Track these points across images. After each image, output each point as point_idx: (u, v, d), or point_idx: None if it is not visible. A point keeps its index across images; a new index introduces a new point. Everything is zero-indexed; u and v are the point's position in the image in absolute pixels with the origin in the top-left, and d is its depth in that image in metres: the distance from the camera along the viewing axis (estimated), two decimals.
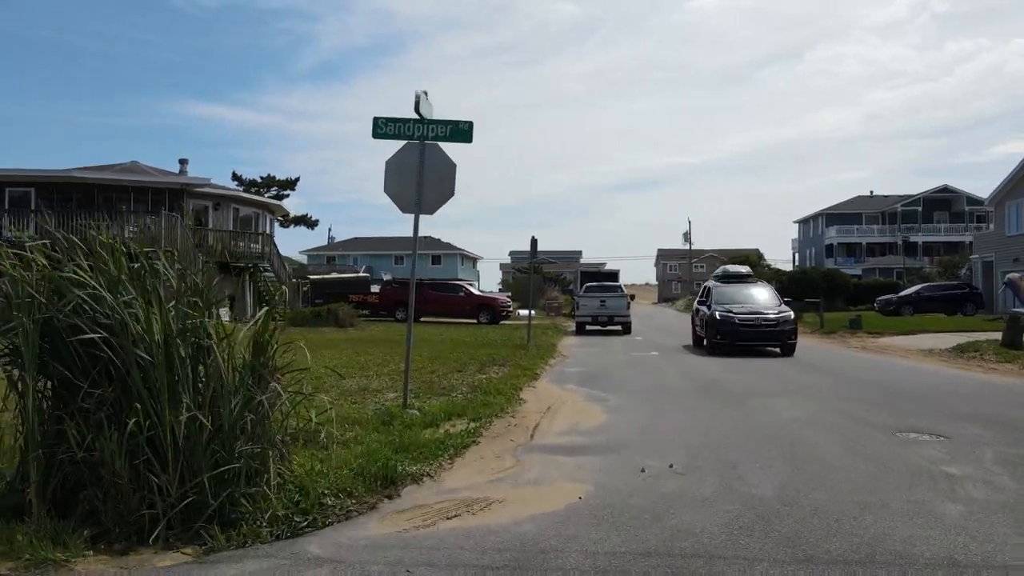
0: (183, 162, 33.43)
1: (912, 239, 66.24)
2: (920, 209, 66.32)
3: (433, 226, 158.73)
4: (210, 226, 31.44)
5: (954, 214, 67.45)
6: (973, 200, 66.73)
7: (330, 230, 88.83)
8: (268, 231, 36.42)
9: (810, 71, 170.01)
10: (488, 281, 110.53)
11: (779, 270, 57.32)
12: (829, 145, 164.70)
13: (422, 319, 33.93)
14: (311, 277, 40.78)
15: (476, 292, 33.52)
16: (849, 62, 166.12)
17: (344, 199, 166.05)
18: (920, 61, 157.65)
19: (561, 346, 21.05)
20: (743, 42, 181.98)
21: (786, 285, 49.74)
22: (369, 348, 17.64)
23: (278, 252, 33.32)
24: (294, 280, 40.60)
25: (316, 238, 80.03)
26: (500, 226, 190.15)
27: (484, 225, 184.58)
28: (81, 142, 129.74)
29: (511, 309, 33.35)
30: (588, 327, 28.14)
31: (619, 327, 27.99)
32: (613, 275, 36.97)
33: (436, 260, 77.99)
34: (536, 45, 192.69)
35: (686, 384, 12.53)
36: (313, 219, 55.76)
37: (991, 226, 67.26)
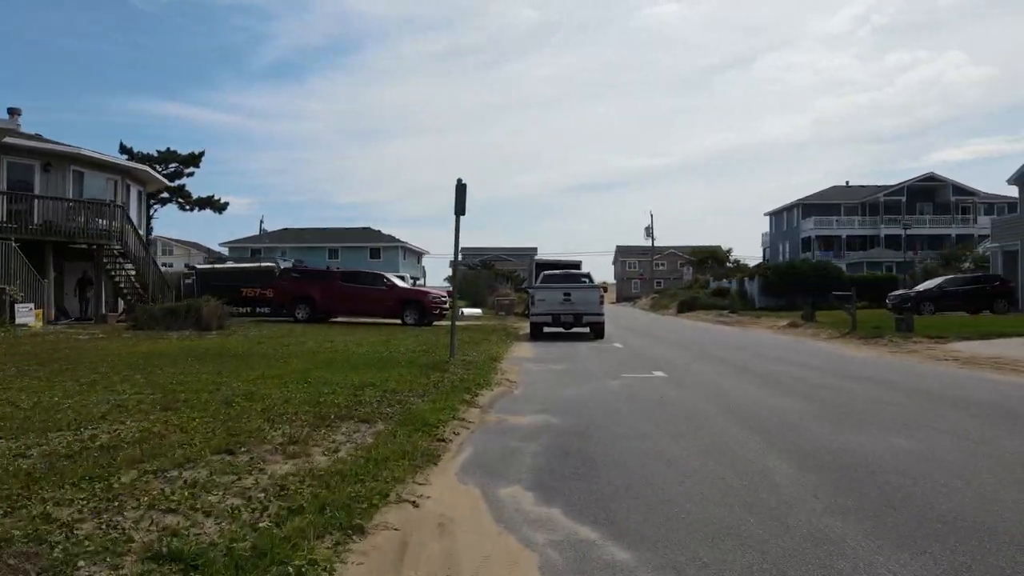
0: (13, 112, 24.95)
1: (892, 232, 60.92)
2: (904, 199, 61.02)
3: (379, 222, 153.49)
4: (36, 192, 23.22)
5: (939, 205, 62.38)
6: (960, 189, 61.83)
7: (261, 221, 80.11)
8: (136, 204, 28.21)
9: (762, 78, 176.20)
10: (437, 279, 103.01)
11: (766, 264, 50.89)
12: (782, 149, 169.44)
13: (333, 319, 26.23)
14: (197, 267, 32.60)
15: (403, 285, 26.00)
16: (799, 70, 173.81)
17: (305, 199, 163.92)
18: (864, 71, 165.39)
19: (507, 361, 13.66)
20: (698, 49, 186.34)
21: (772, 279, 43.46)
22: (181, 369, 9.96)
23: (136, 230, 25.17)
24: (183, 267, 32.39)
25: (245, 228, 71.73)
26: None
27: (441, 225, 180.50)
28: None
29: (446, 307, 25.86)
30: (547, 328, 20.92)
31: (587, 329, 20.87)
32: (575, 265, 29.84)
33: (375, 253, 69.93)
34: (496, 48, 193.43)
35: (781, 461, 5.22)
36: (221, 201, 47.37)
37: (987, 214, 62.77)
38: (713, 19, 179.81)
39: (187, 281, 30.75)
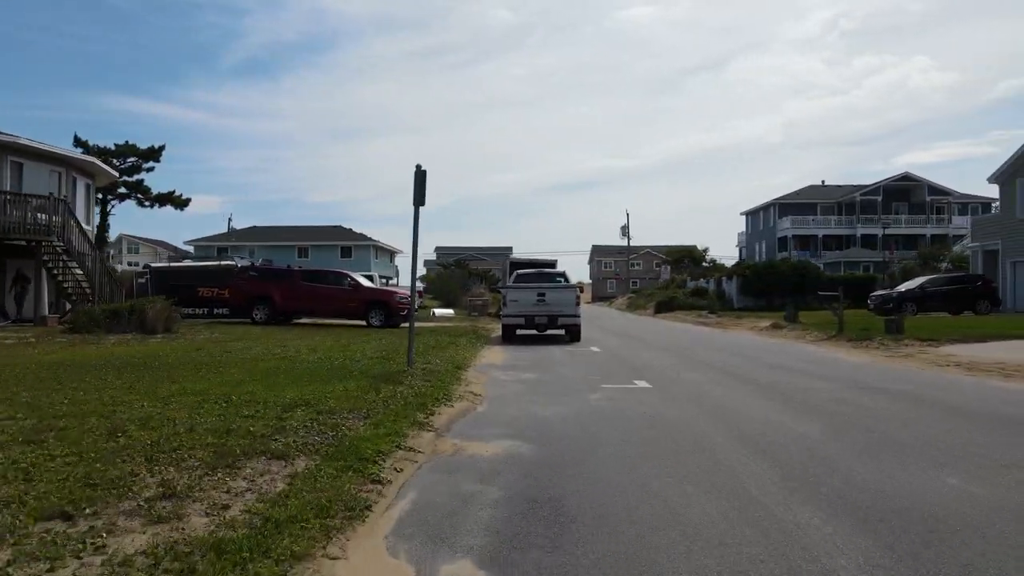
0: None
1: (868, 232, 60.61)
2: (880, 199, 60.71)
3: (356, 221, 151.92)
4: None
5: (914, 204, 62.18)
6: (935, 190, 61.68)
7: (230, 219, 77.98)
8: (83, 198, 26.39)
9: (734, 80, 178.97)
10: (409, 278, 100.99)
11: (745, 264, 50.07)
12: (755, 151, 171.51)
13: (295, 321, 24.72)
14: (152, 265, 30.80)
15: (368, 284, 24.52)
16: (770, 74, 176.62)
17: (280, 198, 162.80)
18: (833, 75, 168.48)
19: (474, 369, 12.32)
20: (672, 51, 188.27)
21: (751, 279, 42.60)
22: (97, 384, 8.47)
23: (80, 227, 23.39)
24: (137, 268, 30.59)
25: (217, 226, 69.49)
26: (433, 227, 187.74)
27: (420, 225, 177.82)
28: None
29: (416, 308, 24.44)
30: (520, 331, 19.65)
31: (562, 331, 19.63)
32: (550, 265, 28.65)
33: (346, 252, 68.11)
34: (471, 48, 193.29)
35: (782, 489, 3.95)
36: (183, 197, 45.39)
37: (967, 214, 62.77)
38: (687, 22, 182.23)
39: (140, 281, 28.97)
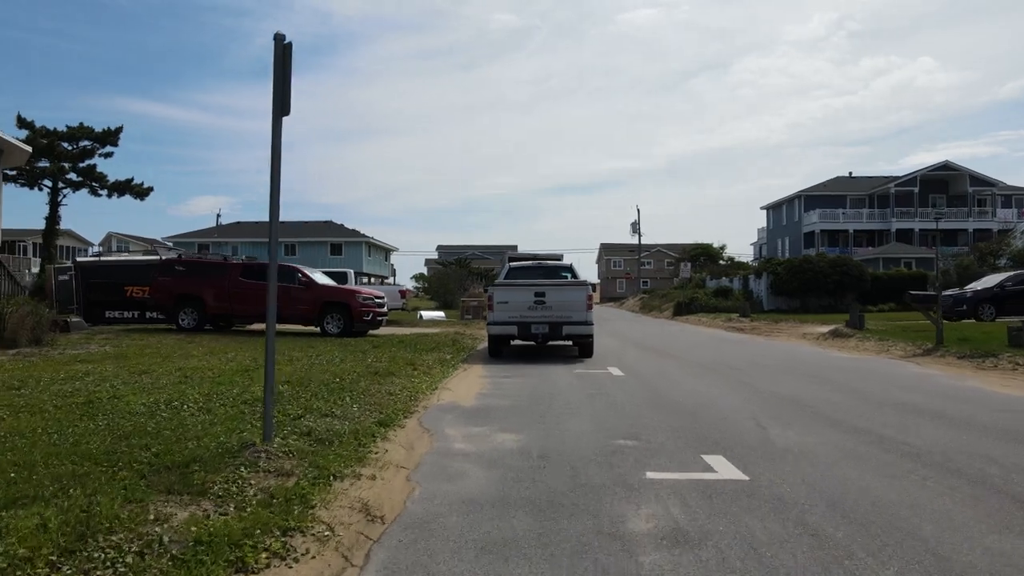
0: None
1: (903, 226, 55.37)
2: (916, 190, 55.45)
3: (360, 222, 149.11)
4: None
5: (953, 197, 56.88)
6: (978, 180, 56.38)
7: (218, 215, 73.54)
8: None
9: (737, 82, 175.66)
10: (408, 278, 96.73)
11: (775, 260, 44.92)
12: (758, 152, 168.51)
13: (236, 326, 19.90)
14: (79, 260, 26.00)
15: (324, 282, 19.57)
16: (774, 74, 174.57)
17: (283, 199, 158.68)
18: (839, 75, 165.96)
19: (417, 421, 7.29)
20: (674, 52, 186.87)
21: (783, 277, 37.48)
22: None
23: None
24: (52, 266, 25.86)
25: (198, 221, 64.84)
26: (436, 228, 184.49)
27: (419, 226, 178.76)
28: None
29: (382, 311, 19.52)
30: (512, 341, 14.86)
31: (568, 342, 14.78)
32: (556, 258, 23.60)
33: (336, 249, 63.36)
34: (474, 50, 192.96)
35: None
36: (144, 186, 40.54)
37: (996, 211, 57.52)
38: (690, 24, 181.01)
39: (62, 278, 24.17)
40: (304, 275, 18.97)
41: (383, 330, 21.39)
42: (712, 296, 40.74)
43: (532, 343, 14.73)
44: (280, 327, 20.45)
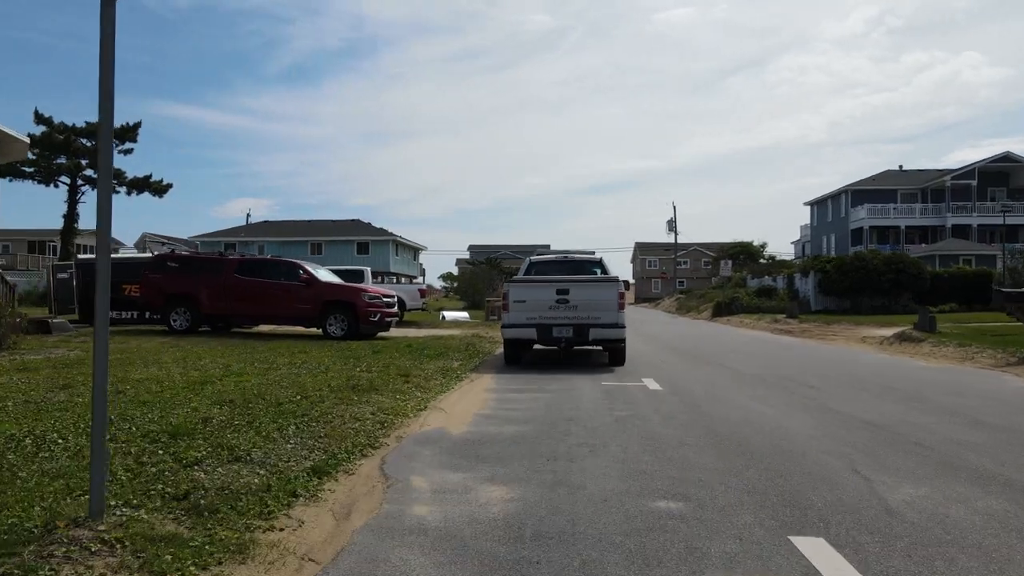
0: None
1: (960, 221, 51.96)
2: (974, 183, 51.96)
3: (393, 223, 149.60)
4: None
5: (1015, 190, 53.25)
6: None
7: (248, 215, 72.32)
8: None
9: (775, 80, 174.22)
10: (436, 277, 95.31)
11: (824, 257, 42.16)
12: (796, 151, 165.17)
13: (234, 328, 18.29)
14: (80, 257, 24.66)
15: (327, 279, 17.74)
16: (812, 72, 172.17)
17: (318, 201, 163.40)
18: (879, 72, 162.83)
19: (381, 459, 5.36)
20: (710, 52, 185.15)
21: (833, 276, 34.80)
22: None
23: None
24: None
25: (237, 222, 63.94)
26: (469, 227, 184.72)
27: (452, 226, 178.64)
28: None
29: (392, 311, 17.68)
30: (535, 346, 12.92)
31: (598, 347, 12.79)
32: (586, 254, 21.45)
33: (363, 248, 61.95)
34: (507, 51, 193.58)
35: None
36: (164, 183, 39.45)
37: None
38: (726, 22, 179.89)
39: (61, 276, 22.91)
40: (305, 271, 17.21)
41: (395, 332, 19.56)
42: (754, 296, 38.19)
43: (555, 347, 12.69)
44: (280, 329, 18.81)
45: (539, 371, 11.66)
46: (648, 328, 27.26)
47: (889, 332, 19.30)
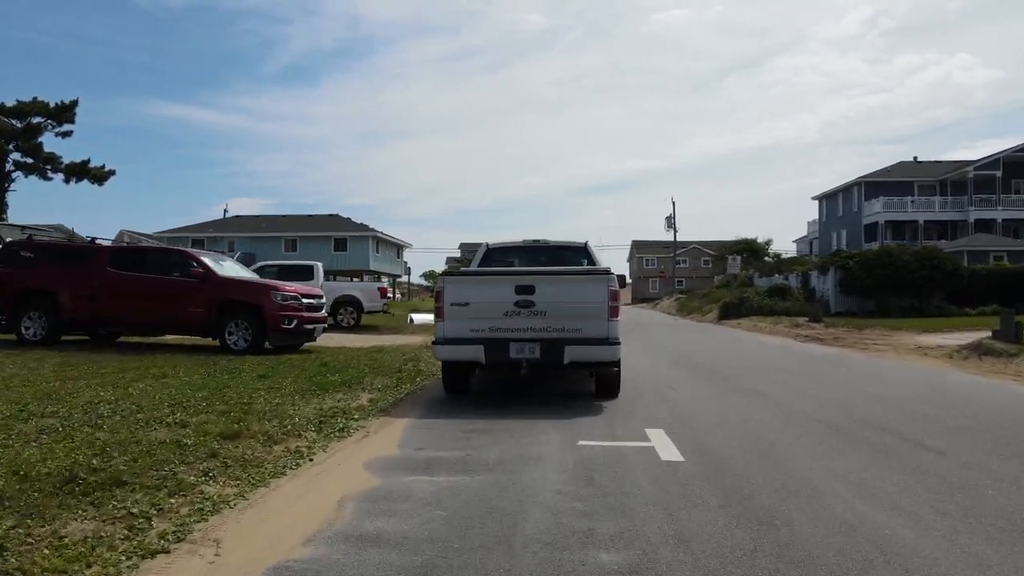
0: None
1: (983, 216, 48.02)
2: (999, 174, 47.98)
3: (389, 224, 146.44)
4: None
5: None
6: None
7: (225, 210, 67.96)
8: None
9: (771, 81, 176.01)
10: (419, 276, 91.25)
11: (839, 252, 38.17)
12: (792, 151, 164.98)
13: (117, 337, 14.18)
14: None
15: (231, 273, 13.52)
16: (807, 73, 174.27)
17: (314, 200, 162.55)
18: (873, 73, 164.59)
19: None
20: (706, 52, 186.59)
21: (856, 273, 30.78)
22: None
23: None
24: None
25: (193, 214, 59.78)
26: (465, 227, 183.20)
27: (450, 227, 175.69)
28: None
29: (318, 315, 13.59)
30: (482, 370, 8.85)
31: (584, 370, 8.67)
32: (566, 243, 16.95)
33: (340, 245, 57.75)
34: (503, 50, 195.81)
35: None
36: (105, 169, 35.29)
37: None
38: (722, 23, 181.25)
39: None
40: (200, 263, 13.05)
41: (340, 340, 15.53)
42: (765, 296, 34.11)
43: (513, 373, 8.54)
44: (164, 340, 14.65)
45: (487, 410, 7.59)
46: (649, 333, 23.19)
47: (951, 341, 15.31)
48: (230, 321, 12.64)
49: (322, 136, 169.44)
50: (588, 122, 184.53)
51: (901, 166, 54.57)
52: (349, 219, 61.05)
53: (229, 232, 58.89)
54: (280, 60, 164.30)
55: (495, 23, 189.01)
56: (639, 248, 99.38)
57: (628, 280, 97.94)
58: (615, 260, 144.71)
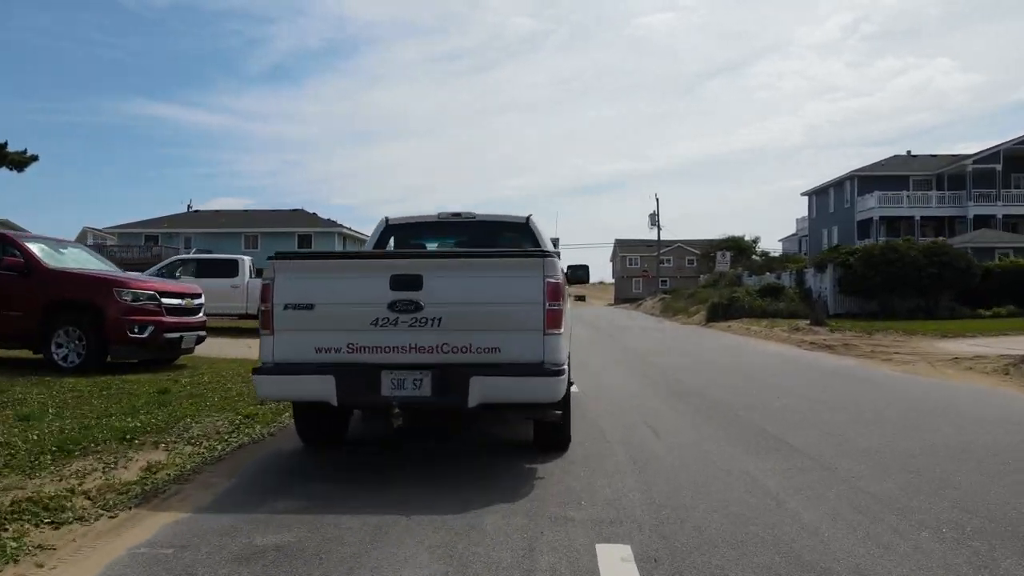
0: None
1: (982, 211, 45.41)
2: (999, 167, 45.41)
3: (370, 224, 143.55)
4: None
5: None
6: None
7: (189, 205, 64.10)
8: None
9: (754, 84, 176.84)
10: None
11: (838, 247, 35.31)
12: (775, 153, 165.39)
13: None
14: None
15: (62, 265, 10.30)
16: (790, 77, 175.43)
17: (298, 200, 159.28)
18: (855, 77, 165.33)
19: None
20: (691, 56, 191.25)
21: (857, 271, 27.87)
22: None
23: None
24: None
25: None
26: None
27: None
28: (28, 140, 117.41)
29: (192, 320, 10.39)
30: (320, 430, 5.63)
31: (510, 414, 5.25)
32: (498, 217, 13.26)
33: (304, 241, 54.34)
34: (490, 53, 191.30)
35: None
36: (26, 155, 31.63)
37: None
38: (705, 27, 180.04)
39: None
40: (22, 250, 9.72)
41: (253, 349, 12.29)
42: (757, 296, 31.13)
43: (396, 428, 5.27)
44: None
45: (338, 485, 4.42)
46: (628, 339, 20.09)
47: (984, 348, 12.32)
48: (57, 327, 9.34)
49: (308, 136, 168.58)
50: (574, 124, 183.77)
51: (895, 160, 51.96)
52: (315, 214, 57.65)
53: (188, 228, 55.27)
54: (265, 60, 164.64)
55: (482, 25, 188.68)
56: (622, 247, 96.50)
57: (612, 280, 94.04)
58: (598, 259, 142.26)
